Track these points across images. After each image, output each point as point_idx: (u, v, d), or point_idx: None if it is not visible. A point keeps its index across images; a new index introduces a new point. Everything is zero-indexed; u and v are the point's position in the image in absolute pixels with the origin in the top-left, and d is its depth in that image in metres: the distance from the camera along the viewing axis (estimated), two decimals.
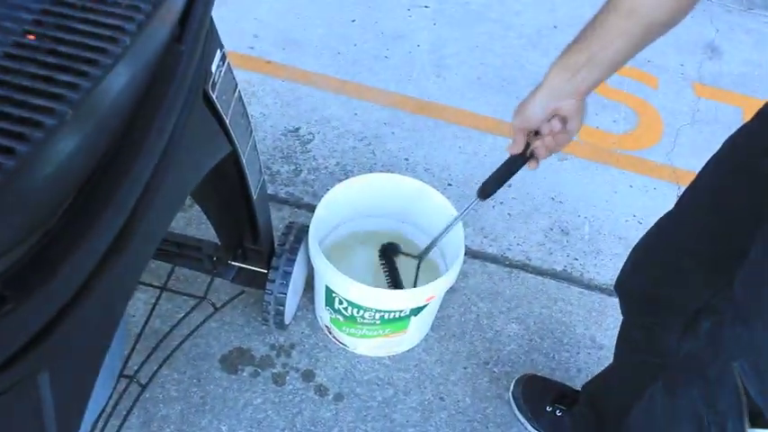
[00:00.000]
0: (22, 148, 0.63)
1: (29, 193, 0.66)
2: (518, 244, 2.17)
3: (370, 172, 2.24)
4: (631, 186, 2.42)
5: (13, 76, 0.70)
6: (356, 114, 2.49)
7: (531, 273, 2.09)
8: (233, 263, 1.80)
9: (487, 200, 1.42)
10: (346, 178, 1.85)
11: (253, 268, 1.80)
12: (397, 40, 2.86)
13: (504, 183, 1.38)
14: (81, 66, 0.72)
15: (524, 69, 2.80)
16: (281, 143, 2.34)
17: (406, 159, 2.37)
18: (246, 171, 1.38)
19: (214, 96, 1.15)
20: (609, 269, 2.12)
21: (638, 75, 2.84)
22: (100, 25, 0.77)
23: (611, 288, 1.68)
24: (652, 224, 1.29)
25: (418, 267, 1.83)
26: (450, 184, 2.30)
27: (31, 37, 0.74)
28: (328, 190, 1.81)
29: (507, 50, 2.89)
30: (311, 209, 2.13)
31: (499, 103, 2.62)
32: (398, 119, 2.51)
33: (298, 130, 2.41)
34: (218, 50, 1.17)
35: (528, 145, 1.23)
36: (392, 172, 2.27)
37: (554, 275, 2.10)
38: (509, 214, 2.25)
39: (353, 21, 2.90)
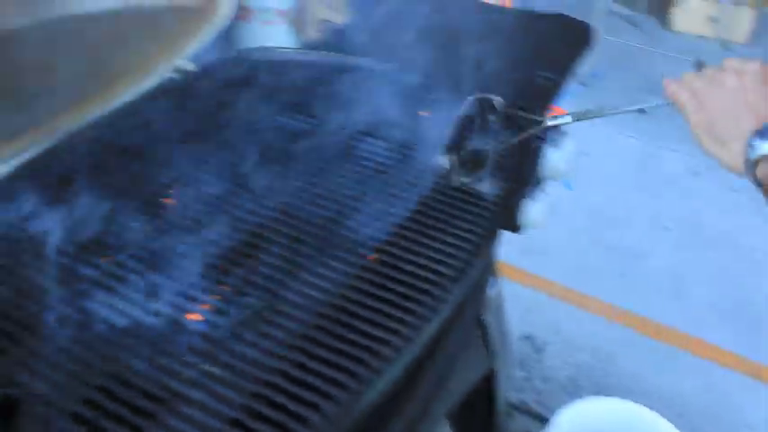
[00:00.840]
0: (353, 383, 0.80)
1: None
2: None
3: (602, 389, 2.28)
4: None
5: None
6: (592, 329, 2.57)
7: None
8: None
9: None
10: (577, 393, 1.91)
11: None
12: (637, 259, 2.93)
13: None
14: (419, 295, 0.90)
15: None
16: (515, 348, 2.45)
17: (639, 381, 2.38)
18: (498, 388, 1.51)
19: (486, 321, 1.31)
20: None
21: None
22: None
23: None
24: None
25: None
26: (682, 415, 2.26)
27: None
28: (558, 402, 1.87)
29: (751, 282, 2.85)
30: (540, 419, 2.19)
31: (741, 338, 2.57)
32: (634, 339, 2.54)
33: (533, 337, 2.52)
34: (494, 279, 1.34)
35: None
36: (623, 392, 2.28)
37: None
38: None
39: (594, 235, 3.03)
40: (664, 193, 3.31)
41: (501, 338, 1.44)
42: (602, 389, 2.33)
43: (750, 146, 0.86)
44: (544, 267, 2.83)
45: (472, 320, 1.23)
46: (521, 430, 2.15)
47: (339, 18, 4.06)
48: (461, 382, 1.28)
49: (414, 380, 1.03)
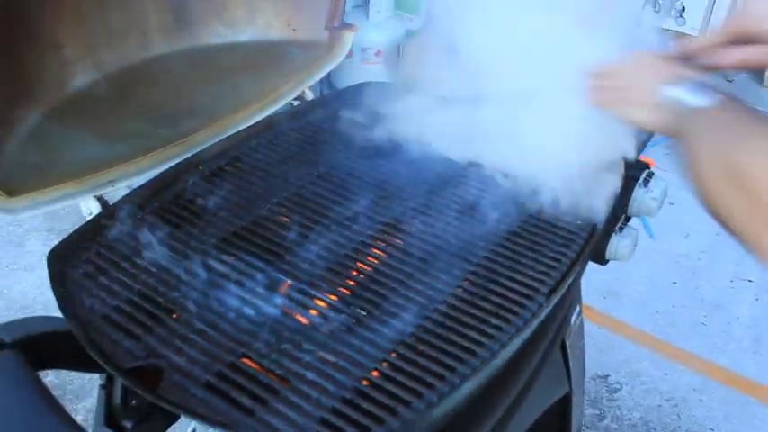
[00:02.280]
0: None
1: None
2: None
3: None
4: None
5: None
6: (666, 374, 2.59)
7: None
8: None
9: None
10: None
11: None
12: (716, 309, 2.94)
13: None
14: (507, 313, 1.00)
15: None
16: (588, 386, 2.50)
17: (711, 429, 2.39)
18: (573, 412, 1.58)
19: (568, 344, 1.39)
20: None
21: None
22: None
23: None
24: None
25: None
26: None
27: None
28: None
29: None
30: None
31: None
32: (708, 387, 2.55)
33: (607, 377, 2.56)
34: (578, 305, 1.43)
35: None
36: None
37: None
38: None
39: (675, 283, 3.05)
40: None
41: (579, 364, 1.52)
42: None
43: (663, 95, 0.96)
44: (621, 310, 2.87)
45: (556, 342, 1.32)
46: None
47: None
48: (539, 401, 1.37)
49: (498, 388, 1.13)
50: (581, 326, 1.52)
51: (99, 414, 1.21)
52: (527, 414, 1.32)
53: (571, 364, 1.46)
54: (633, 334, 2.76)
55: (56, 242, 1.08)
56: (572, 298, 1.40)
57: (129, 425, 1.22)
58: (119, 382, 1.19)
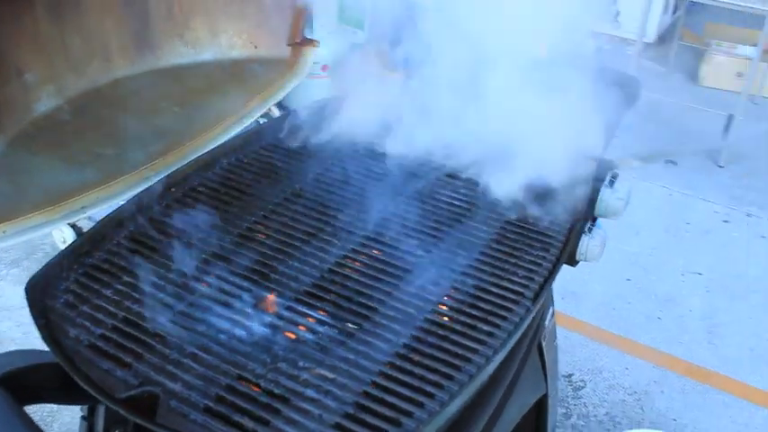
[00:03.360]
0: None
1: None
2: None
3: (638, 427, 2.36)
4: None
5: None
6: (627, 369, 2.65)
7: None
8: None
9: None
10: (614, 429, 2.00)
11: None
12: (669, 303, 3.02)
13: None
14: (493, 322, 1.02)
15: None
16: None
17: (674, 420, 2.45)
18: (549, 412, 1.61)
19: (544, 346, 1.42)
20: None
21: None
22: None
23: None
24: None
25: None
26: None
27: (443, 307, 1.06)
28: None
29: None
30: None
31: None
32: (668, 379, 2.62)
33: (571, 376, 2.60)
34: (551, 307, 1.45)
35: None
36: (660, 429, 2.36)
37: None
38: None
39: (628, 280, 3.13)
40: (695, 240, 3.41)
41: (554, 365, 1.54)
42: (638, 425, 2.40)
43: None
44: (579, 310, 2.92)
45: (533, 344, 1.35)
46: None
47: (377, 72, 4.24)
48: (520, 403, 1.39)
49: (485, 395, 1.14)
50: (554, 327, 1.55)
51: None
52: (511, 416, 1.34)
53: (547, 365, 1.49)
54: (592, 332, 2.82)
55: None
56: (546, 301, 1.43)
57: None
58: (101, 414, 1.17)
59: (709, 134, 4.13)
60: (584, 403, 2.50)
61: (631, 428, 2.32)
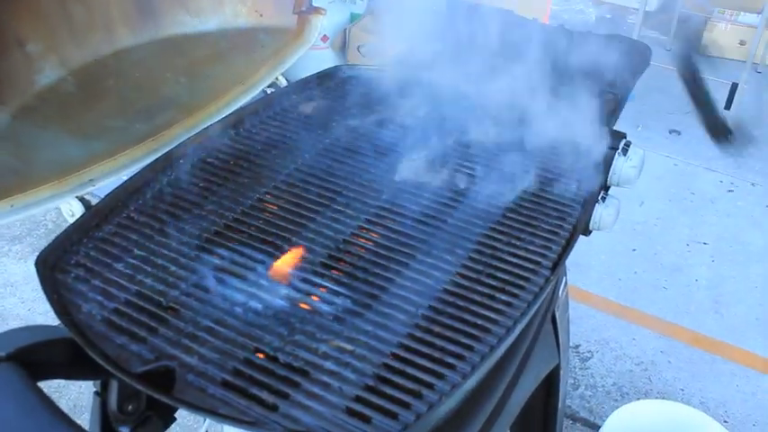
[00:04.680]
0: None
1: None
2: None
3: (646, 397, 2.36)
4: None
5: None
6: (634, 339, 2.65)
7: None
8: None
9: None
10: (622, 399, 1.99)
11: None
12: (675, 273, 3.01)
13: None
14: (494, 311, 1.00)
15: None
16: None
17: (682, 390, 2.46)
18: (561, 383, 1.60)
19: (557, 316, 1.40)
20: None
21: None
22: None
23: None
24: None
25: None
26: (726, 421, 2.34)
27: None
28: (604, 408, 1.96)
29: None
30: (587, 423, 2.28)
31: None
32: (675, 349, 2.62)
33: (578, 347, 2.60)
34: (564, 277, 1.44)
35: None
36: (667, 398, 2.36)
37: None
38: None
39: (634, 250, 3.12)
40: (700, 210, 3.40)
41: (566, 335, 1.53)
42: (646, 395, 2.40)
43: None
44: (585, 281, 2.92)
45: (547, 315, 1.33)
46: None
47: (378, 41, 4.20)
48: (535, 374, 1.38)
49: (502, 365, 1.13)
50: (567, 298, 1.53)
51: (95, 421, 1.17)
52: (525, 387, 1.33)
53: (560, 335, 1.48)
54: (599, 302, 2.81)
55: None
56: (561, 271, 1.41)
57: (126, 430, 1.18)
58: (114, 389, 1.16)
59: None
60: (592, 374, 2.50)
61: (639, 399, 2.31)
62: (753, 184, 3.49)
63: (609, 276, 2.96)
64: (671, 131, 4.01)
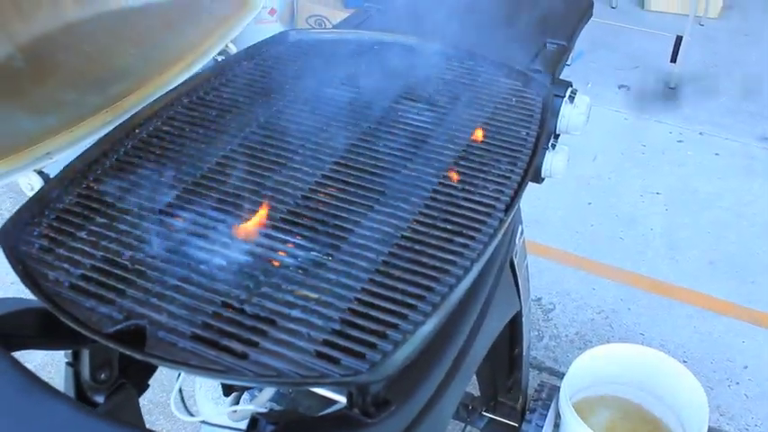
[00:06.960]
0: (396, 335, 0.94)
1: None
2: (756, 425, 2.23)
3: (608, 342, 2.43)
4: None
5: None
6: (594, 289, 2.72)
7: None
8: (485, 414, 2.04)
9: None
10: (585, 347, 2.06)
11: (504, 420, 2.02)
12: (631, 223, 3.09)
13: None
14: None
15: (757, 257, 2.91)
16: None
17: (642, 334, 2.54)
18: (524, 329, 1.65)
19: (516, 263, 1.45)
20: None
21: None
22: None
23: None
24: None
25: None
26: (685, 361, 2.42)
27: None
28: (568, 356, 2.02)
29: (740, 238, 3.02)
30: (552, 372, 2.34)
31: (733, 288, 2.74)
32: (634, 296, 2.70)
33: (540, 299, 2.67)
34: (520, 225, 1.48)
35: None
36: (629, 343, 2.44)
37: None
38: (746, 395, 2.32)
39: (589, 203, 3.19)
40: (651, 161, 3.49)
41: (525, 283, 1.58)
42: (608, 341, 2.48)
43: None
44: (543, 236, 2.98)
45: (506, 262, 1.37)
46: (534, 384, 2.29)
47: (327, 12, 4.20)
48: (497, 320, 1.42)
49: (465, 309, 1.17)
50: (524, 245, 1.58)
51: (68, 391, 1.19)
52: (488, 332, 1.38)
53: (520, 283, 1.53)
54: (558, 255, 2.88)
55: None
56: (515, 218, 1.45)
57: (100, 399, 1.20)
58: (86, 358, 1.18)
59: (659, 57, 4.19)
60: (555, 324, 2.57)
61: (601, 344, 2.38)
62: (701, 134, 3.58)
63: (567, 230, 3.03)
64: (620, 86, 4.09)
